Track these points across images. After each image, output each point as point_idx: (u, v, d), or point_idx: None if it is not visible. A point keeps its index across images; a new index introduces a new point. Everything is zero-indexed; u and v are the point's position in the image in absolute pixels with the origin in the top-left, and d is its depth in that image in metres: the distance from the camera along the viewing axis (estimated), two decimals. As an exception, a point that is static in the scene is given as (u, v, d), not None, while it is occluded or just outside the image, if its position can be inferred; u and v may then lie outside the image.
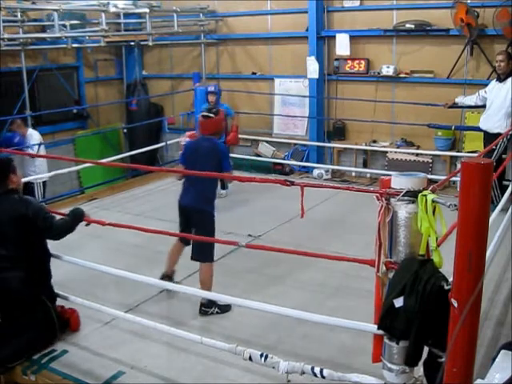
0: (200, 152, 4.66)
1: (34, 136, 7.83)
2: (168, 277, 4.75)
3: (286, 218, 6.48)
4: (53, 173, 7.28)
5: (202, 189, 4.53)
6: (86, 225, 3.99)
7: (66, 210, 4.14)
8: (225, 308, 4.45)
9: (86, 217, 3.97)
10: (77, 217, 3.92)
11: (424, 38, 8.13)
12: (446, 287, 2.38)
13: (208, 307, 4.43)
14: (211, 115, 4.88)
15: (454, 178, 6.48)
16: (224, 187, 7.64)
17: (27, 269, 3.76)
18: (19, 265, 3.74)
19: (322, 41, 8.92)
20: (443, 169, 8.16)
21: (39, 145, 7.71)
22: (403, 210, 2.59)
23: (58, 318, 3.92)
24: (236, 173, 7.44)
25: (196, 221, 4.59)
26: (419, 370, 2.74)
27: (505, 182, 6.51)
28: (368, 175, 8.81)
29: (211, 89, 8.35)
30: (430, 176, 6.70)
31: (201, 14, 10.00)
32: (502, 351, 2.54)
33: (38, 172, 7.44)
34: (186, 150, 4.91)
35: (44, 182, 7.84)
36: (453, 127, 7.83)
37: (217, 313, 4.44)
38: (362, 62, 8.70)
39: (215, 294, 3.97)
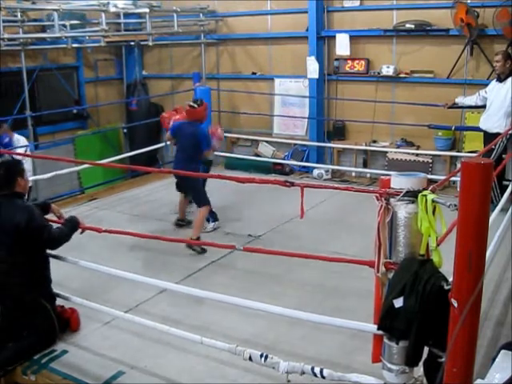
0: (184, 132, 6.04)
1: (20, 141, 7.61)
2: (181, 220, 6.47)
3: (285, 218, 6.48)
4: (53, 173, 7.25)
5: (188, 157, 5.84)
6: (81, 232, 4.01)
7: (66, 210, 4.15)
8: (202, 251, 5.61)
9: (82, 224, 4.01)
10: (73, 226, 3.97)
11: (424, 37, 8.12)
12: (446, 287, 2.38)
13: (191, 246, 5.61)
14: (196, 105, 6.05)
15: (453, 178, 6.47)
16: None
17: (26, 274, 3.76)
18: (18, 269, 3.73)
19: (322, 41, 8.91)
20: (443, 169, 8.15)
21: (26, 147, 7.54)
22: (403, 210, 2.58)
23: (58, 319, 3.92)
24: (236, 173, 7.44)
25: (185, 184, 6.08)
26: (419, 370, 2.74)
27: (505, 182, 6.51)
28: (368, 175, 8.80)
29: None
30: (429, 176, 6.69)
31: (201, 14, 9.98)
32: (502, 351, 2.54)
33: None
34: (174, 128, 6.21)
35: (30, 187, 7.61)
36: (453, 128, 7.83)
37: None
38: (362, 61, 8.68)
39: (213, 293, 3.94)
